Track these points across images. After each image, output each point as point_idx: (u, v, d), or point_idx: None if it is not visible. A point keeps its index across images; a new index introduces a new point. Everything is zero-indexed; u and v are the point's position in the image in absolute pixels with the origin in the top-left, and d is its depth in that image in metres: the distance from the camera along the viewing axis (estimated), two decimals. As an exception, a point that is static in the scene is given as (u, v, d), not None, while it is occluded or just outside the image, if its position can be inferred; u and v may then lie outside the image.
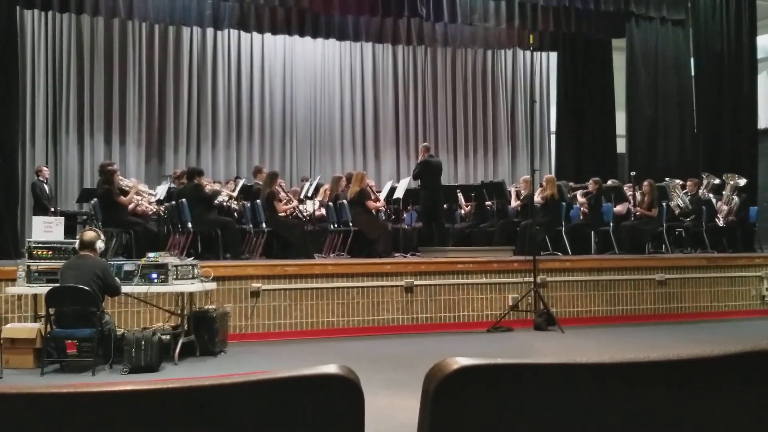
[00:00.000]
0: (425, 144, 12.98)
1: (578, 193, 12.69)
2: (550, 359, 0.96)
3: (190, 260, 8.10)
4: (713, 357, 0.99)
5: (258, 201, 11.01)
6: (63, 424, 0.85)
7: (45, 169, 12.81)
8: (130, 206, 10.81)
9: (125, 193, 10.67)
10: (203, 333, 7.62)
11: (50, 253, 7.59)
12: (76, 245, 7.27)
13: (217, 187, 11.79)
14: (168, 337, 7.26)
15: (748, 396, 1.00)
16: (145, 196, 11.48)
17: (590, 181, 12.40)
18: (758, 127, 15.17)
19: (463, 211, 13.48)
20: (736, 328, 9.88)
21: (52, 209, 12.17)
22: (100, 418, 0.86)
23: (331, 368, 0.89)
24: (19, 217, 12.23)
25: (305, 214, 12.02)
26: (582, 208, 12.49)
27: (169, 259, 7.66)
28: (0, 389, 0.84)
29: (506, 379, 0.94)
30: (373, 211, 11.35)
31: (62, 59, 14.60)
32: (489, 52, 18.02)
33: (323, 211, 12.21)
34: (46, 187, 12.50)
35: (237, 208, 11.73)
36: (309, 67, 16.67)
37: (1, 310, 8.01)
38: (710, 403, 0.99)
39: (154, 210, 11.49)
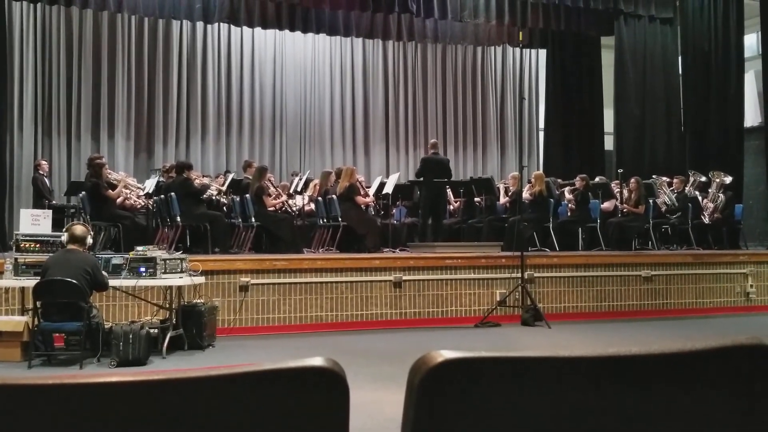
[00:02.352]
0: (433, 140, 12.99)
1: (566, 190, 12.73)
2: (534, 352, 0.97)
3: (178, 254, 8.07)
4: (694, 351, 1.00)
5: (247, 195, 10.99)
6: (49, 415, 0.86)
7: (44, 163, 12.83)
8: (119, 200, 10.77)
9: (113, 186, 10.63)
10: (191, 327, 7.61)
11: (38, 246, 7.57)
12: (64, 239, 7.23)
13: (206, 181, 11.76)
14: (156, 330, 7.25)
15: (728, 389, 1.01)
16: (134, 189, 11.44)
17: (577, 178, 12.43)
18: (744, 126, 15.25)
19: (451, 207, 13.50)
20: (720, 325, 9.95)
21: (54, 202, 12.18)
22: (85, 410, 0.87)
23: (317, 361, 0.90)
24: (7, 210, 12.17)
25: (294, 208, 12.01)
26: (569, 205, 12.53)
27: (158, 252, 7.63)
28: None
29: (490, 371, 0.95)
30: (362, 206, 11.35)
31: (51, 52, 14.51)
32: (479, 49, 18.04)
33: (312, 206, 12.20)
34: (46, 180, 12.51)
35: (226, 202, 11.72)
36: (299, 62, 16.64)
37: (-12, 303, 7.97)
38: (691, 397, 1.00)
39: (143, 204, 11.44)
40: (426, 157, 12.19)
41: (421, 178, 12.22)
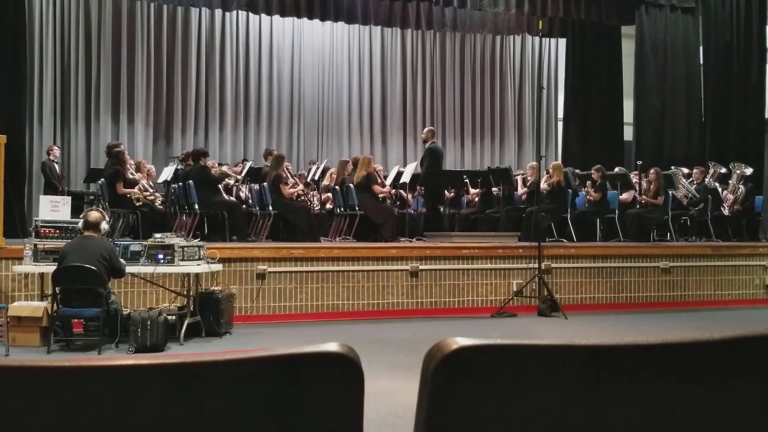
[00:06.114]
0: (432, 128, 12.95)
1: (590, 189, 12.51)
2: (550, 341, 0.96)
3: (196, 242, 8.12)
4: (712, 341, 0.99)
5: (265, 184, 11.02)
6: (67, 397, 0.87)
7: (56, 148, 12.87)
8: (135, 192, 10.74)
9: (131, 183, 10.62)
10: (209, 314, 7.66)
11: (57, 232, 7.63)
12: (80, 225, 7.29)
13: (225, 168, 11.78)
14: (174, 317, 7.31)
15: (747, 379, 1.00)
16: (149, 195, 11.32)
17: (593, 170, 12.33)
18: (766, 117, 15.10)
19: (469, 196, 13.52)
20: (739, 317, 9.88)
21: (62, 189, 12.22)
22: (102, 392, 0.87)
23: (332, 346, 0.90)
24: (26, 197, 12.28)
25: (314, 201, 12.04)
26: (588, 196, 12.44)
27: (176, 240, 7.68)
28: (4, 362, 0.86)
29: (505, 359, 0.94)
30: (379, 195, 11.35)
31: (70, 39, 14.59)
32: (498, 38, 17.94)
33: (329, 194, 12.22)
34: (57, 166, 12.56)
35: (243, 190, 11.74)
36: (317, 50, 16.63)
37: (8, 289, 8.06)
38: (710, 386, 0.99)
39: (154, 199, 11.38)
40: (438, 147, 12.25)
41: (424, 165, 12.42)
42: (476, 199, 13.34)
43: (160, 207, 11.12)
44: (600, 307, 10.21)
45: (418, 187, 12.80)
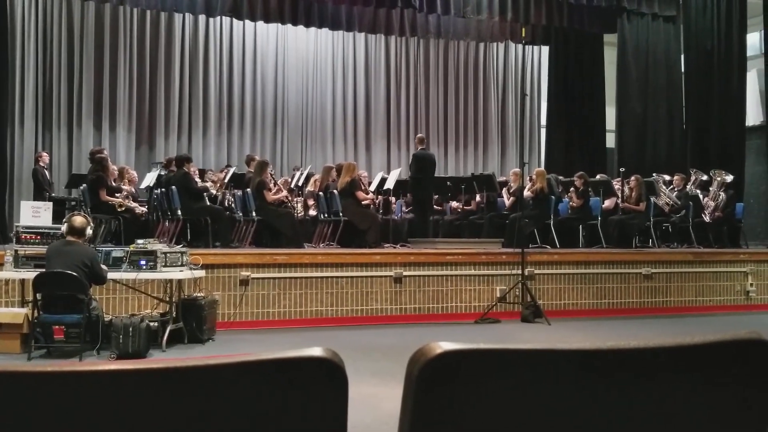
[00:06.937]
0: (422, 135, 12.99)
1: (572, 195, 12.57)
2: (533, 345, 0.97)
3: (179, 247, 8.07)
4: (693, 345, 1.00)
5: (248, 190, 10.99)
6: (48, 402, 0.86)
7: (45, 154, 12.80)
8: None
9: (114, 190, 10.56)
10: (191, 320, 7.60)
11: (38, 238, 7.57)
12: (64, 229, 7.22)
13: (207, 184, 11.68)
14: (156, 324, 7.25)
15: (726, 383, 1.01)
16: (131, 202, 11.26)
17: (575, 177, 12.40)
18: (746, 125, 15.24)
19: (453, 203, 13.56)
20: (720, 323, 9.95)
21: (53, 194, 12.16)
22: (84, 398, 0.87)
23: (316, 351, 0.90)
24: (7, 202, 12.17)
25: (298, 208, 12.02)
26: (571, 203, 12.50)
27: (158, 246, 7.63)
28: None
29: (488, 363, 0.95)
30: (362, 201, 11.36)
31: (52, 44, 14.50)
32: (481, 45, 18.03)
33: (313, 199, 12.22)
34: (46, 173, 12.49)
35: (227, 196, 11.70)
36: (301, 57, 16.63)
37: (-12, 295, 7.97)
38: (689, 390, 1.00)
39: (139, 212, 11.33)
40: (424, 154, 12.23)
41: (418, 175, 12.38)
42: (458, 206, 13.39)
43: (141, 216, 11.06)
44: (583, 313, 10.24)
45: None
